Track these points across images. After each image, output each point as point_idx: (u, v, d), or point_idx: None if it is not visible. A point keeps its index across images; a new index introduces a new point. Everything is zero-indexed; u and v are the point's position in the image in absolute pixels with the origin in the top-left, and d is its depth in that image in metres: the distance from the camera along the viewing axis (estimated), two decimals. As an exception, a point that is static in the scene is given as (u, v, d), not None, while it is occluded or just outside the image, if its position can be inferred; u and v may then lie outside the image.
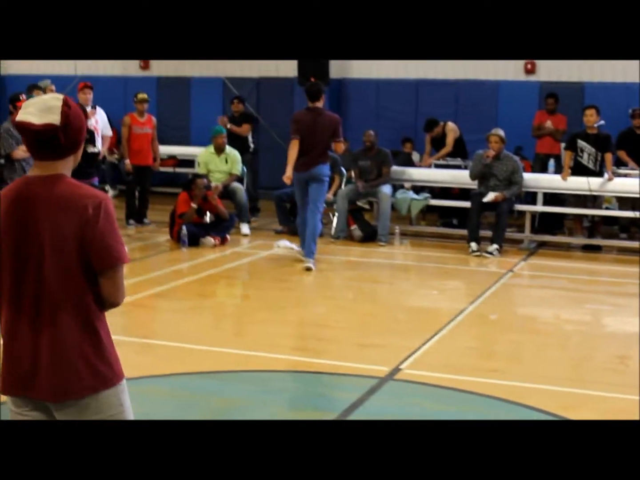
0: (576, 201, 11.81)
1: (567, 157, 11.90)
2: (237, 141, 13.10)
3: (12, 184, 3.16)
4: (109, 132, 12.19)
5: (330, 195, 11.78)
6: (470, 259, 11.02)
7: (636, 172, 12.13)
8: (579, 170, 11.66)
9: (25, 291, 3.03)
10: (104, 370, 3.09)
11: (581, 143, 11.65)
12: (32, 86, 11.26)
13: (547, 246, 11.94)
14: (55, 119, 2.98)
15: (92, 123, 11.38)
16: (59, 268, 3.00)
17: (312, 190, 9.99)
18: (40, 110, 2.99)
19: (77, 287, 3.02)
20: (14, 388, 3.10)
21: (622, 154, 12.41)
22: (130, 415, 3.19)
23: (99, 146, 11.28)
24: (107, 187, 14.76)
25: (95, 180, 9.96)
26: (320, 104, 10.04)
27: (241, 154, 12.64)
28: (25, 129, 3.00)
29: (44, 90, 11.17)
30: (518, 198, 11.81)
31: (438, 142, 13.58)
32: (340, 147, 10.23)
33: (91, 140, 10.30)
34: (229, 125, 13.27)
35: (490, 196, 11.29)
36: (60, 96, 3.05)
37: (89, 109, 11.44)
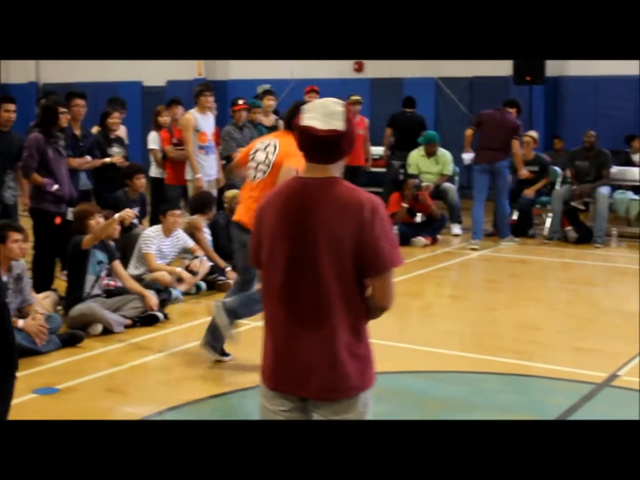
0: None
1: None
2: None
3: (283, 185, 3.21)
4: None
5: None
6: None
7: None
8: None
9: (301, 291, 3.07)
10: (366, 372, 3.16)
11: None
12: (266, 92, 11.71)
13: None
14: (339, 125, 3.03)
15: None
16: (334, 269, 3.04)
17: None
18: (324, 115, 3.04)
19: (350, 288, 3.07)
20: (280, 384, 3.16)
21: None
22: (369, 414, 3.23)
23: None
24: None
25: None
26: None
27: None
28: (309, 134, 3.04)
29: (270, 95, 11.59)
30: None
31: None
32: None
33: None
34: None
35: None
36: (340, 101, 3.10)
37: None
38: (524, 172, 11.88)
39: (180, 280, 8.49)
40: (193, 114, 9.87)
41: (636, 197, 11.99)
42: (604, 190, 11.71)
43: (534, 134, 12.69)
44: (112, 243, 7.75)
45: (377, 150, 14.27)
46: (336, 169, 3.13)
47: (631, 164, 13.08)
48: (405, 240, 11.21)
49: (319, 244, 3.03)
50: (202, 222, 9.16)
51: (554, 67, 14.86)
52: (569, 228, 11.75)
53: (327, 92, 12.92)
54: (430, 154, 12.39)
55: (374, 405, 3.25)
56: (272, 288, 3.13)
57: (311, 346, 3.07)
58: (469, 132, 12.00)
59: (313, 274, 3.04)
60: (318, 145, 3.05)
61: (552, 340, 7.21)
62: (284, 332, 3.12)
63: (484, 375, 6.42)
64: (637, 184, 12.32)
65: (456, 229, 12.21)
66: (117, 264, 7.69)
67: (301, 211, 3.06)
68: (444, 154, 12.51)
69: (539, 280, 9.73)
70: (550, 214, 11.94)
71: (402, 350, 6.95)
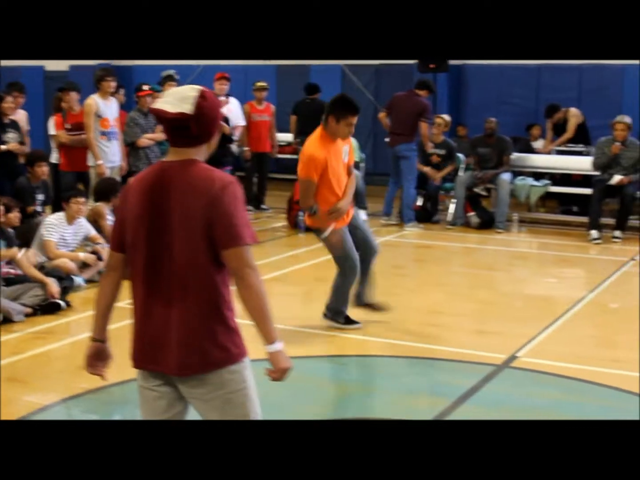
0: None
1: None
2: None
3: (148, 168, 3.30)
4: (240, 122, 12.45)
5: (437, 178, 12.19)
6: (591, 247, 10.79)
7: None
8: None
9: (159, 271, 3.14)
10: (228, 347, 3.17)
11: None
12: (167, 77, 11.57)
13: (672, 234, 11.58)
14: (188, 108, 3.09)
15: (224, 113, 11.70)
16: (189, 247, 3.10)
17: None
18: (176, 99, 3.12)
19: (205, 265, 3.11)
20: (145, 362, 3.22)
21: None
22: (254, 392, 3.25)
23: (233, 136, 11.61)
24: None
25: (228, 170, 10.17)
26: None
27: None
28: (160, 116, 3.14)
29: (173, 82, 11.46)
30: (642, 185, 11.49)
31: (560, 128, 13.30)
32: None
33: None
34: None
35: (615, 178, 11.05)
36: (198, 87, 3.16)
37: (221, 99, 11.77)
38: (430, 147, 12.11)
39: (83, 267, 8.36)
40: (94, 99, 9.71)
41: (536, 183, 12.27)
42: (505, 176, 11.96)
43: (446, 117, 12.89)
44: (11, 230, 7.58)
45: (284, 137, 14.28)
46: (198, 153, 3.20)
47: (531, 150, 13.37)
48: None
49: (174, 224, 3.11)
50: (105, 209, 9.03)
51: (457, 55, 15.06)
52: (471, 214, 11.97)
53: (232, 78, 12.90)
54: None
55: (277, 390, 3.25)
56: (135, 270, 3.20)
57: (168, 323, 3.14)
58: (381, 115, 12.22)
59: (169, 253, 3.12)
60: (170, 128, 3.16)
61: (455, 323, 7.34)
62: (145, 312, 3.19)
63: (388, 359, 6.51)
64: (537, 170, 12.61)
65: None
66: (16, 251, 7.53)
67: (158, 193, 3.14)
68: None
69: (442, 265, 9.89)
70: (454, 200, 12.13)
71: (306, 334, 6.98)
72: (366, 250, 7.01)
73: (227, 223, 3.08)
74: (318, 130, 6.70)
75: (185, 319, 3.13)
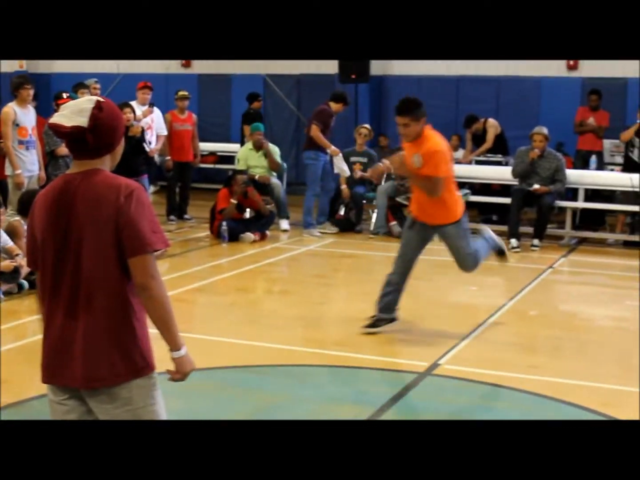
0: (626, 198, 11.66)
1: None
2: None
3: (52, 182, 3.27)
4: (163, 132, 12.36)
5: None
6: (510, 255, 10.93)
7: None
8: (630, 166, 11.54)
9: (63, 281, 3.11)
10: (136, 360, 3.14)
11: (634, 139, 11.54)
12: (79, 85, 11.40)
13: (587, 243, 11.84)
14: (83, 121, 3.08)
15: (147, 122, 11.60)
16: (95, 257, 3.08)
17: None
18: (72, 112, 3.10)
19: (113, 276, 3.09)
20: (53, 376, 3.18)
21: None
22: (162, 409, 3.22)
23: (152, 145, 11.49)
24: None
25: (145, 178, 10.05)
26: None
27: None
28: (56, 130, 3.12)
29: (90, 89, 11.30)
30: (559, 194, 11.72)
31: (479, 139, 13.52)
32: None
33: (143, 138, 10.44)
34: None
35: (535, 185, 11.27)
36: (95, 99, 3.15)
37: (145, 108, 11.65)
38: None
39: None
40: (12, 107, 9.53)
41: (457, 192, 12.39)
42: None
43: (368, 127, 12.98)
44: None
45: (207, 147, 14.22)
46: (102, 164, 3.18)
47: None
48: (234, 236, 11.22)
49: (81, 235, 3.08)
50: (24, 226, 8.82)
51: (378, 66, 15.21)
52: (393, 223, 12.06)
53: (153, 87, 12.81)
54: (259, 147, 12.43)
55: (199, 401, 3.24)
56: (45, 283, 3.17)
57: (74, 336, 3.10)
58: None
59: (77, 266, 3.09)
60: (68, 142, 3.16)
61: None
62: (53, 325, 3.16)
63: (312, 368, 6.51)
64: (458, 180, 12.73)
65: (284, 224, 12.32)
66: None
67: (64, 206, 3.11)
68: (272, 148, 12.61)
69: (365, 274, 9.93)
70: (376, 209, 12.20)
71: (230, 345, 6.95)
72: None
73: (133, 230, 3.05)
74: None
75: (92, 331, 3.09)
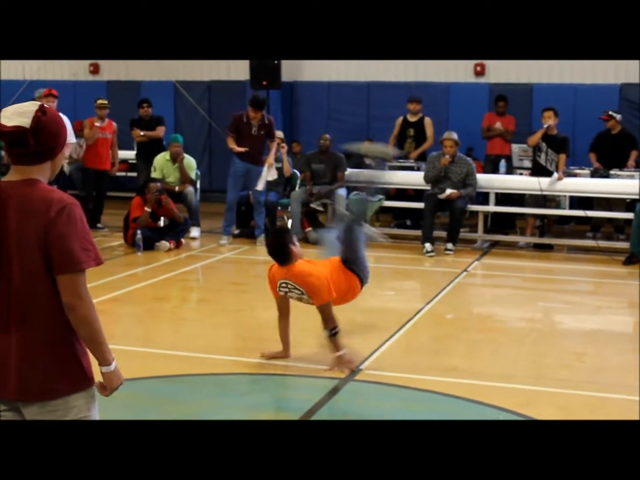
0: (535, 201, 11.92)
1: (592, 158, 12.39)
2: (151, 145, 13.20)
3: None
4: (72, 139, 12.15)
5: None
6: (425, 260, 11.10)
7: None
8: (538, 170, 11.80)
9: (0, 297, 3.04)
10: (74, 374, 3.10)
11: (541, 144, 11.80)
12: None
13: (500, 246, 12.08)
14: (25, 122, 2.99)
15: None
16: (25, 271, 3.01)
17: None
18: (14, 113, 3.01)
19: (45, 290, 3.03)
20: None
21: (592, 156, 12.59)
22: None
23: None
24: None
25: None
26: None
27: (155, 156, 12.65)
28: None
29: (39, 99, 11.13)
30: (471, 199, 11.92)
31: (419, 138, 13.48)
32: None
33: None
34: (142, 133, 13.33)
35: (446, 192, 11.43)
36: (40, 103, 3.06)
37: None
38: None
39: None
40: None
41: (371, 198, 12.47)
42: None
43: (280, 134, 12.97)
44: None
45: (123, 155, 14.07)
46: (40, 172, 3.09)
47: (365, 166, 13.58)
48: (149, 244, 11.11)
49: (10, 249, 3.01)
50: None
51: (289, 72, 15.23)
52: (309, 229, 12.09)
53: (60, 94, 12.57)
54: (174, 159, 12.37)
55: (119, 412, 3.22)
56: None
57: (9, 350, 3.05)
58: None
59: (8, 279, 3.03)
60: (8, 144, 3.04)
61: (299, 338, 7.36)
62: None
63: (232, 376, 6.47)
64: (372, 186, 12.82)
65: (195, 231, 12.26)
66: None
67: None
68: (188, 160, 12.58)
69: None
70: (290, 216, 12.22)
71: (149, 355, 6.87)
72: None
73: (62, 247, 2.99)
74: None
75: (26, 345, 3.04)
